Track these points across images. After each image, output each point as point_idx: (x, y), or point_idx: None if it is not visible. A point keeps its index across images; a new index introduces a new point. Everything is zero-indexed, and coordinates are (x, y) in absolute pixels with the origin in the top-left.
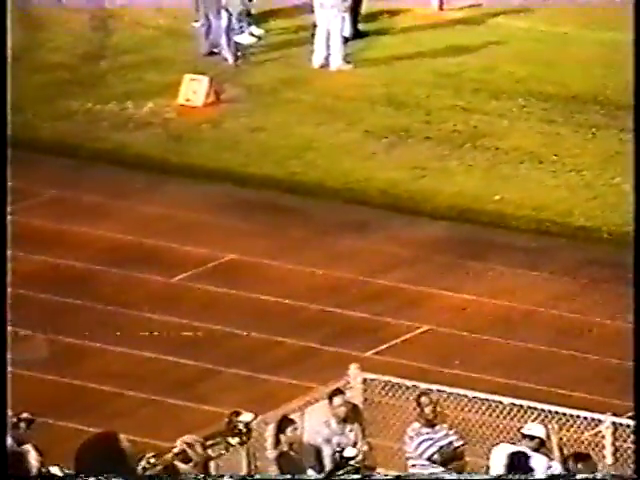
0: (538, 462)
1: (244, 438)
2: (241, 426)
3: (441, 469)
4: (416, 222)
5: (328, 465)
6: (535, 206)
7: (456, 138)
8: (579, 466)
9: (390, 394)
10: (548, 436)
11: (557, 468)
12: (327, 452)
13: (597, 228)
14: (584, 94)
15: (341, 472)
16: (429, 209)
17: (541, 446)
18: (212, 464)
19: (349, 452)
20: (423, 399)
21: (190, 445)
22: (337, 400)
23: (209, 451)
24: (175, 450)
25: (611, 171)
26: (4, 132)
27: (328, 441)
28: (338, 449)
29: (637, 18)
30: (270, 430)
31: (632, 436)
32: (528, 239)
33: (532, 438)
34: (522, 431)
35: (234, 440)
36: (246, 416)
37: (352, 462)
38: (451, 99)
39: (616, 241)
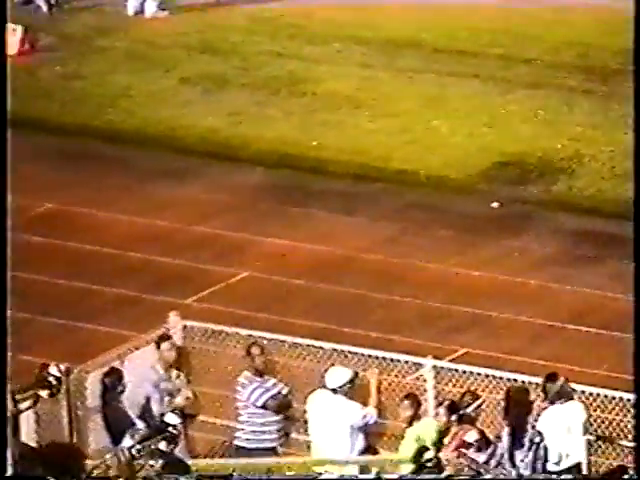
0: (351, 411)
1: (54, 390)
2: (51, 378)
3: (275, 417)
4: (235, 169)
5: (156, 412)
6: (353, 151)
7: (273, 84)
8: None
9: (211, 341)
10: (354, 378)
11: (373, 414)
12: (155, 398)
13: (415, 172)
14: (402, 38)
15: (159, 437)
16: (247, 156)
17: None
18: (26, 416)
19: (170, 418)
20: (253, 349)
21: None
22: (165, 345)
23: (19, 405)
24: None
25: (429, 115)
26: (4, 131)
27: (156, 386)
28: (155, 408)
29: (637, 17)
30: (91, 379)
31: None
32: (347, 184)
33: (336, 390)
34: (326, 382)
35: (44, 392)
36: (54, 369)
37: (171, 429)
38: (267, 45)
39: (434, 184)
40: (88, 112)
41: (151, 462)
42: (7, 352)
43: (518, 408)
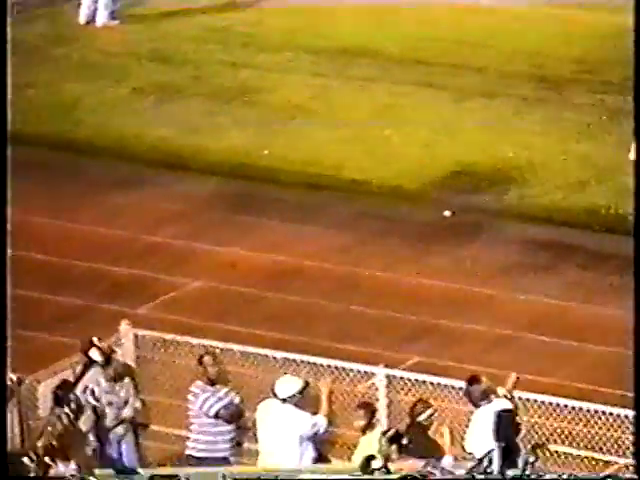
0: (300, 421)
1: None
2: None
3: (227, 426)
4: (187, 178)
5: (108, 423)
6: (305, 160)
7: (225, 93)
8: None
9: (162, 350)
10: (304, 388)
11: (323, 424)
12: (101, 411)
13: (367, 181)
14: (354, 47)
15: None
16: (200, 165)
17: (297, 401)
18: None
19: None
20: (205, 358)
21: None
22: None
23: None
24: None
25: (381, 124)
26: (4, 132)
27: (98, 400)
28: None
29: (637, 17)
30: (42, 388)
31: (631, 434)
32: (299, 193)
33: (285, 399)
34: (275, 392)
35: None
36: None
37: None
38: (219, 54)
39: (386, 194)
40: (40, 121)
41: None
42: (7, 351)
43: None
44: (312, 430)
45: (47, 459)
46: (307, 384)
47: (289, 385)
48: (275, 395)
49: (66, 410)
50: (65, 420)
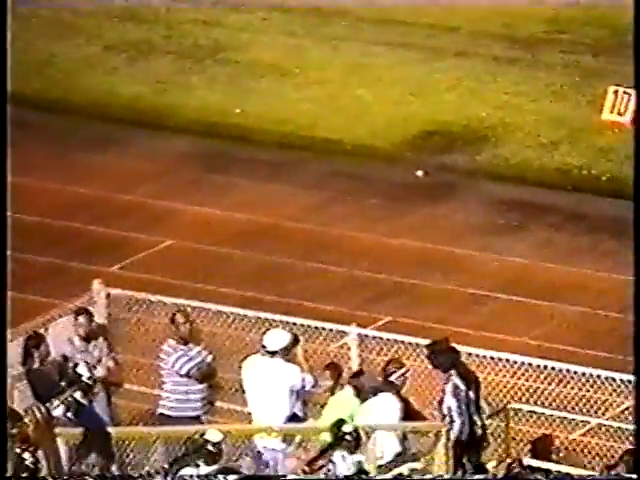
0: (291, 373)
1: None
2: None
3: (199, 385)
4: (160, 137)
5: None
6: (278, 119)
7: (197, 52)
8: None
9: (134, 309)
10: (293, 341)
11: (311, 380)
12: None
13: (340, 140)
14: (326, 6)
15: (74, 388)
16: (172, 124)
17: (286, 354)
18: None
19: (82, 370)
20: (178, 317)
21: None
22: (80, 319)
23: None
24: None
25: (354, 83)
26: (4, 129)
27: (70, 359)
28: (71, 365)
29: (637, 18)
30: (13, 347)
31: (631, 438)
32: (272, 153)
33: (275, 352)
34: (265, 345)
35: None
36: None
37: (85, 379)
38: (191, 13)
39: (359, 153)
40: (13, 79)
41: (69, 414)
42: (6, 350)
43: (445, 356)
44: (301, 384)
45: (18, 449)
46: (295, 337)
47: (279, 337)
48: (264, 347)
49: (41, 407)
50: (38, 414)
